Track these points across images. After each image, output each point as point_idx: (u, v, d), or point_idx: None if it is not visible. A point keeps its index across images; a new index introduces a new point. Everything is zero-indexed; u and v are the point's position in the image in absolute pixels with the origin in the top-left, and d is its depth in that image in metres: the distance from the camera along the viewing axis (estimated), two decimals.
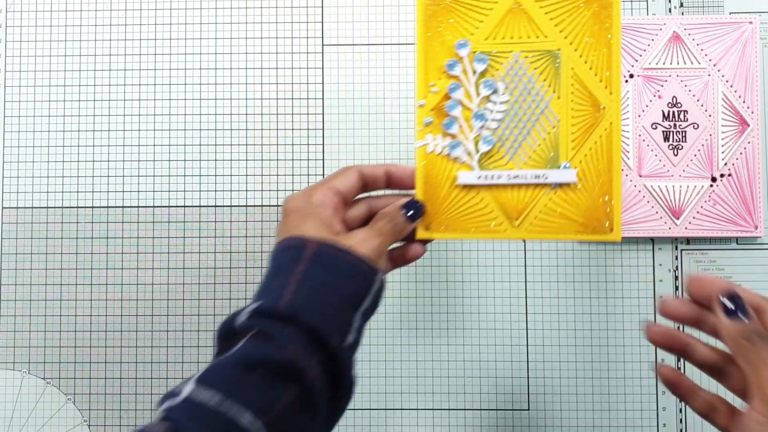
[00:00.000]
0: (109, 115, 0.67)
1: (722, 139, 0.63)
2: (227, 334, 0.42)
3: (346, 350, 0.43)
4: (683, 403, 0.64)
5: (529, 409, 0.65)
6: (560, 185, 0.53)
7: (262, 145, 0.67)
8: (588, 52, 0.53)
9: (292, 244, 0.45)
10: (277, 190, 0.67)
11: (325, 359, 0.42)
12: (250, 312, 0.42)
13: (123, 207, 0.67)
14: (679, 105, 0.64)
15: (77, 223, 0.67)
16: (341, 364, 0.42)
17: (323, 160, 0.66)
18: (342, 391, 0.43)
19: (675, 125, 0.64)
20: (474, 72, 0.53)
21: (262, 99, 0.67)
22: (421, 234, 0.52)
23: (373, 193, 0.53)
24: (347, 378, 0.43)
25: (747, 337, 0.36)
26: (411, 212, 0.50)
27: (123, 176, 0.67)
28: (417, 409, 0.65)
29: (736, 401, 0.39)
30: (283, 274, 0.43)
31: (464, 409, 0.65)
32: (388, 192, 0.54)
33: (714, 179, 0.63)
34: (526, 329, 0.65)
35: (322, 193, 0.48)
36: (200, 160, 0.67)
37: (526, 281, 0.65)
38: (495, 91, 0.53)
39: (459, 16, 0.53)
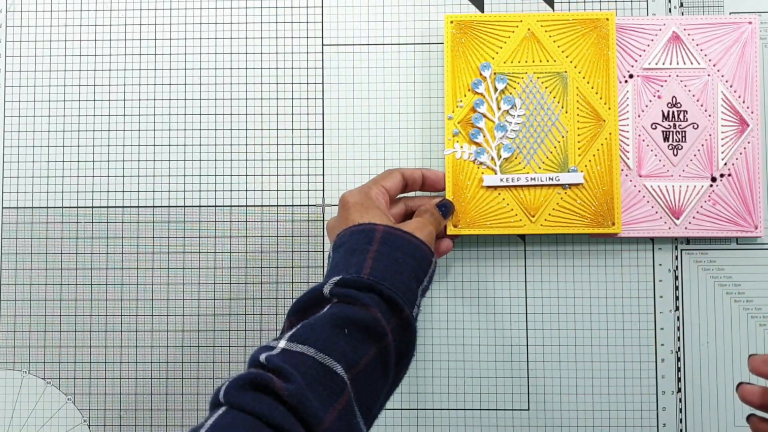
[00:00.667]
0: (109, 115, 0.67)
1: (722, 139, 0.63)
2: (310, 303, 0.47)
3: (414, 320, 0.48)
4: (683, 404, 0.64)
5: (529, 409, 0.65)
6: (570, 186, 0.62)
7: (262, 145, 0.67)
8: (590, 74, 0.63)
9: (363, 228, 0.51)
10: (277, 190, 0.67)
11: (397, 326, 0.47)
12: (334, 283, 0.47)
13: (123, 207, 0.67)
14: (678, 105, 0.64)
15: (77, 223, 0.67)
16: (412, 332, 0.48)
17: (323, 160, 0.67)
18: (405, 360, 0.48)
19: (675, 125, 0.64)
20: (495, 89, 0.63)
21: (262, 99, 0.67)
22: (450, 230, 0.61)
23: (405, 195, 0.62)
24: (413, 347, 0.48)
25: None
26: (444, 209, 0.58)
27: (123, 176, 0.67)
28: (417, 409, 0.65)
29: None
30: (359, 253, 0.49)
31: (464, 409, 0.65)
32: (419, 193, 0.63)
33: (714, 179, 0.63)
34: (526, 329, 0.65)
35: (377, 190, 0.56)
36: (200, 160, 0.67)
37: (526, 281, 0.65)
38: (513, 106, 0.63)
39: (482, 42, 0.63)
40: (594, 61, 0.63)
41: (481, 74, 0.63)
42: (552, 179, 0.62)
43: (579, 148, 0.62)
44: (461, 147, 0.62)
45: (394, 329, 0.46)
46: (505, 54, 0.63)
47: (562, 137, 0.63)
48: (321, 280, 0.65)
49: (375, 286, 0.46)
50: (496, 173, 0.62)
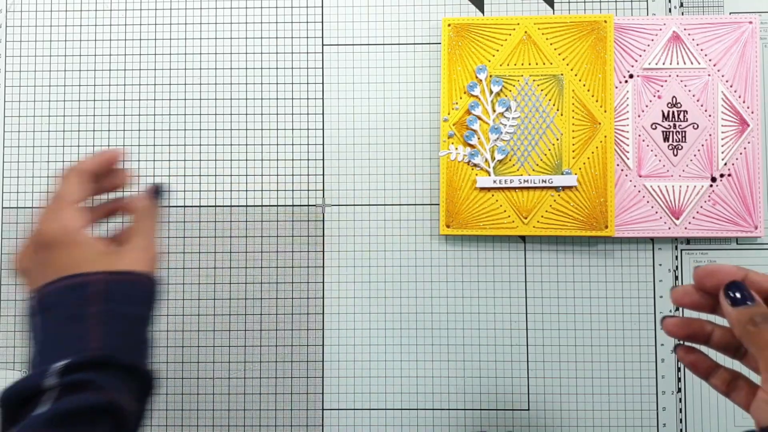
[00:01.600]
0: (109, 115, 0.67)
1: (722, 139, 0.63)
2: (26, 398, 0.38)
3: (151, 370, 0.42)
4: (683, 404, 0.64)
5: (529, 409, 0.65)
6: (563, 188, 0.62)
7: (262, 145, 0.67)
8: (586, 77, 0.63)
9: (74, 284, 0.40)
10: (277, 190, 0.67)
11: (135, 387, 0.40)
12: (58, 371, 0.38)
13: None
14: (678, 105, 0.64)
15: None
16: (152, 383, 0.42)
17: (323, 160, 0.67)
18: (142, 414, 0.41)
19: (675, 125, 0.64)
20: (491, 92, 0.63)
21: (262, 99, 0.67)
22: (443, 231, 0.63)
23: None
24: (153, 390, 0.42)
25: (751, 322, 0.37)
26: (157, 194, 0.47)
27: None
28: (417, 409, 0.65)
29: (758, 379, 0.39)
30: (78, 320, 0.40)
31: (464, 409, 0.65)
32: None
33: (714, 179, 0.63)
34: (526, 329, 0.65)
35: (72, 214, 0.43)
36: (200, 160, 0.67)
37: (526, 281, 0.65)
38: (508, 109, 0.63)
39: (478, 45, 0.64)
40: (591, 64, 0.63)
41: (476, 77, 0.63)
42: (545, 181, 0.62)
43: (573, 151, 0.63)
44: (456, 149, 0.63)
45: (131, 390, 0.40)
46: (501, 57, 0.63)
47: (557, 140, 0.63)
48: (320, 280, 0.65)
49: (109, 360, 0.39)
50: (489, 175, 0.63)
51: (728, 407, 0.64)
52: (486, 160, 0.63)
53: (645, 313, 0.65)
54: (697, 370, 0.42)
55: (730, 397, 0.41)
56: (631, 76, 0.64)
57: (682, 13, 0.66)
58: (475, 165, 0.63)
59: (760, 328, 0.36)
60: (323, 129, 0.67)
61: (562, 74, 0.63)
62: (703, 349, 0.42)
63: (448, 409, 0.65)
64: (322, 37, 0.67)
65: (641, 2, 0.66)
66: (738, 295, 0.38)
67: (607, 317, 0.65)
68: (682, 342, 0.42)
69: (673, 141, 0.64)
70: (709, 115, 0.64)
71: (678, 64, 0.64)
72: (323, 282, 0.66)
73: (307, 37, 0.67)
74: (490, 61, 0.63)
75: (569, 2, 0.66)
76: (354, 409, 0.65)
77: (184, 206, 0.67)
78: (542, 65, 0.63)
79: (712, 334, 0.41)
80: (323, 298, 0.66)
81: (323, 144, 0.67)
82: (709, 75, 0.64)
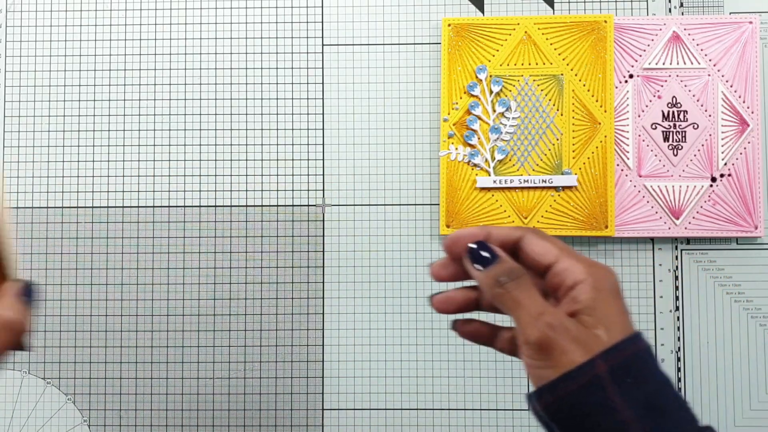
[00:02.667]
0: (109, 115, 0.67)
1: (722, 139, 0.63)
2: None
3: None
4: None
5: (529, 409, 0.65)
6: (563, 188, 0.62)
7: (262, 145, 0.67)
8: (586, 77, 0.63)
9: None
10: (277, 190, 0.67)
11: None
12: None
13: (123, 207, 0.67)
14: (678, 105, 0.64)
15: (77, 223, 0.67)
16: None
17: (323, 160, 0.67)
18: None
19: (675, 125, 0.64)
20: (491, 92, 0.63)
21: (262, 99, 0.67)
22: (443, 231, 0.63)
23: None
24: None
25: (497, 283, 0.35)
26: (28, 295, 0.39)
27: (123, 176, 0.67)
28: (417, 409, 0.65)
29: None
30: None
31: (464, 409, 0.65)
32: None
33: (714, 179, 0.63)
34: None
35: None
36: (200, 160, 0.67)
37: None
38: (508, 109, 0.63)
39: (478, 45, 0.64)
40: (591, 64, 0.63)
41: (476, 77, 0.63)
42: (545, 181, 0.62)
43: (573, 151, 0.63)
44: (456, 149, 0.63)
45: None
46: (501, 57, 0.63)
47: (557, 140, 0.63)
48: (320, 280, 0.65)
49: None
50: (489, 175, 0.63)
51: (728, 407, 0.64)
52: (486, 160, 0.63)
53: (645, 313, 0.65)
54: (478, 340, 0.39)
55: (517, 355, 0.37)
56: (631, 76, 0.64)
57: (682, 13, 0.66)
58: (475, 165, 0.63)
59: (506, 288, 0.34)
60: (323, 129, 0.67)
61: (562, 74, 0.63)
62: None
63: (448, 409, 0.65)
64: (322, 37, 0.67)
65: (641, 2, 0.66)
66: (481, 255, 0.36)
67: None
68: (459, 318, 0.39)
69: (673, 141, 0.64)
70: (709, 115, 0.64)
71: (678, 64, 0.64)
72: (323, 282, 0.66)
73: (307, 37, 0.67)
74: (490, 61, 0.63)
75: (569, 2, 0.66)
76: (354, 409, 0.65)
77: (184, 206, 0.67)
78: (542, 65, 0.63)
79: (480, 299, 0.39)
80: (323, 298, 0.66)
81: (323, 144, 0.67)
82: (709, 75, 0.64)
